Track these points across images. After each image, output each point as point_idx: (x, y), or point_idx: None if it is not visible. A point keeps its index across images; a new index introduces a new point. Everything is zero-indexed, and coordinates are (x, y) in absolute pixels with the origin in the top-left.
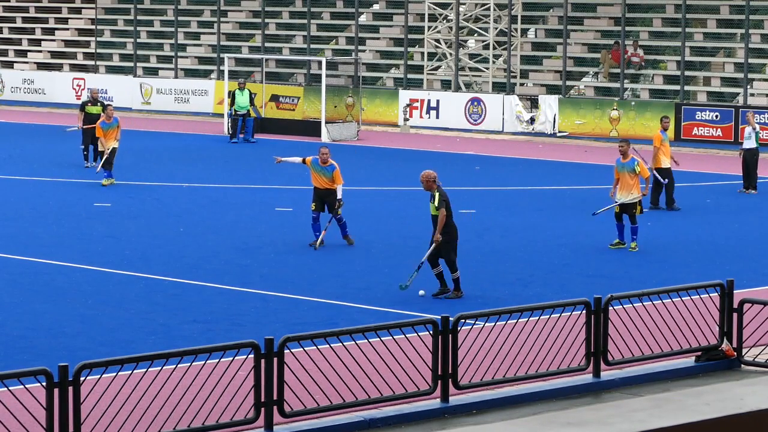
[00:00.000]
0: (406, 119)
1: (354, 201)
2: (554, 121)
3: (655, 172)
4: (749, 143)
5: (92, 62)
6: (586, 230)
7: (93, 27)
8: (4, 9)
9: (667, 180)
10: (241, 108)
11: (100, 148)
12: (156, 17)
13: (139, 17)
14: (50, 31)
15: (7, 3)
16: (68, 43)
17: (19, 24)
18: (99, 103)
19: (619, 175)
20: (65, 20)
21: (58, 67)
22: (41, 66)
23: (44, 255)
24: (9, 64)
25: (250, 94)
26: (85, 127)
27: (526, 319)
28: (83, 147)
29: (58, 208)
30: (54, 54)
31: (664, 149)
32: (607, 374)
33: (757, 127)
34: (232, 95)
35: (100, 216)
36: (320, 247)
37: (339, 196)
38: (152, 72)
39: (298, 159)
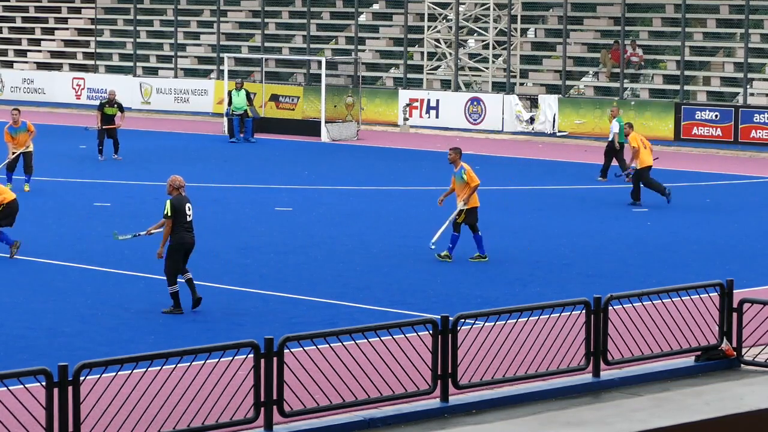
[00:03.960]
0: (405, 119)
1: (354, 201)
2: (554, 121)
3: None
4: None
5: (92, 62)
6: (585, 230)
7: (93, 27)
8: (4, 9)
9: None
10: (237, 108)
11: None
12: (156, 17)
13: (138, 17)
14: (50, 31)
15: (7, 2)
16: (68, 42)
17: (18, 24)
18: (116, 104)
19: (455, 184)
20: (65, 20)
21: (58, 67)
22: (41, 66)
23: (44, 255)
24: (9, 64)
25: (248, 93)
26: (104, 127)
27: (526, 319)
28: (100, 144)
29: (57, 208)
30: (54, 54)
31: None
32: (606, 374)
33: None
34: (229, 95)
35: (99, 216)
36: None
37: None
38: (152, 72)
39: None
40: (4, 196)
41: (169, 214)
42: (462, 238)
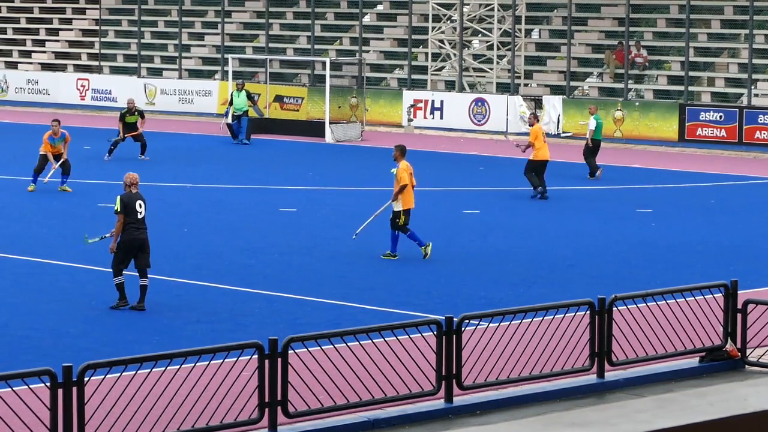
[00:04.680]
0: (410, 120)
1: (358, 202)
2: (558, 122)
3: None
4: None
5: (96, 63)
6: (589, 231)
7: (97, 28)
8: (9, 10)
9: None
10: (238, 109)
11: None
12: (160, 18)
13: (143, 18)
14: (54, 32)
15: (12, 3)
16: (72, 43)
17: (23, 24)
18: (136, 112)
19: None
20: (69, 21)
21: (63, 68)
22: (45, 67)
23: (49, 255)
24: (13, 65)
25: (249, 94)
26: (127, 135)
27: (530, 320)
28: (113, 144)
29: (62, 209)
30: (58, 54)
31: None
32: (611, 375)
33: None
34: (230, 96)
35: (104, 216)
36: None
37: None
38: (156, 73)
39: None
40: None
41: (118, 210)
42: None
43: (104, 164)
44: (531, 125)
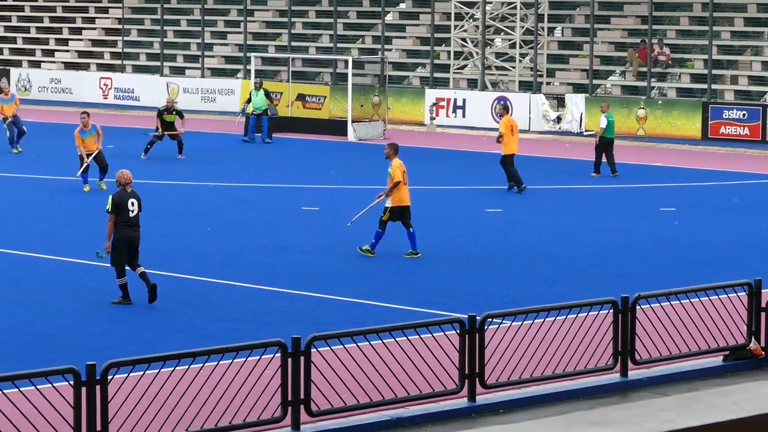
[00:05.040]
0: (432, 118)
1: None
2: (581, 120)
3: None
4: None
5: (119, 62)
6: (612, 229)
7: (120, 26)
8: (32, 9)
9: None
10: (257, 108)
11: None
12: (182, 17)
13: (165, 17)
14: (77, 31)
15: (35, 2)
16: (95, 42)
17: (46, 23)
18: (174, 111)
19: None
20: (92, 20)
21: (86, 67)
22: (68, 65)
23: (72, 254)
24: (36, 64)
25: (267, 92)
26: (166, 133)
27: (553, 319)
28: (150, 143)
29: (85, 208)
30: (81, 53)
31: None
32: (634, 373)
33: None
34: (249, 95)
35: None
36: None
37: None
38: (179, 71)
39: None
40: None
41: (109, 210)
42: (398, 234)
43: (140, 163)
44: (501, 115)
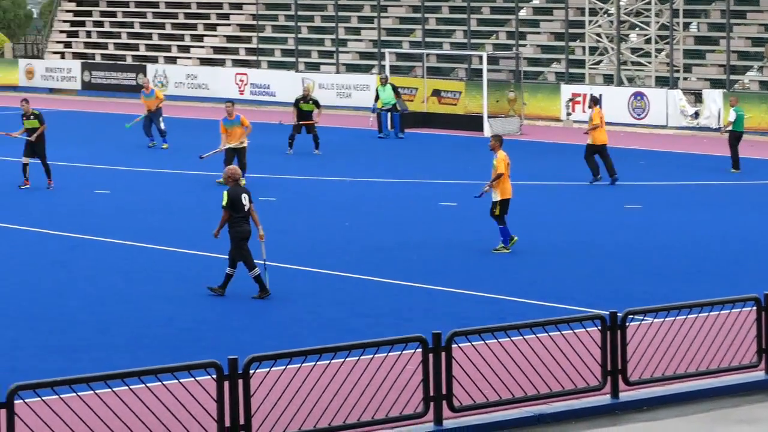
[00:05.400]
0: (568, 114)
1: (517, 196)
2: (719, 116)
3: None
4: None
5: (254, 57)
6: (754, 225)
7: (254, 22)
8: (167, 5)
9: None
10: (386, 103)
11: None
12: (316, 12)
13: (299, 12)
14: (212, 27)
15: None
16: (230, 38)
17: (181, 20)
18: (311, 100)
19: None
20: (227, 16)
21: (221, 63)
22: (204, 61)
23: (211, 249)
24: (172, 60)
25: (395, 88)
26: (300, 123)
27: (695, 316)
28: (291, 138)
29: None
30: (216, 49)
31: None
32: None
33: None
34: (376, 91)
35: (266, 210)
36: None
37: None
38: (314, 67)
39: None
40: None
41: (225, 205)
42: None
43: (277, 157)
44: (590, 108)
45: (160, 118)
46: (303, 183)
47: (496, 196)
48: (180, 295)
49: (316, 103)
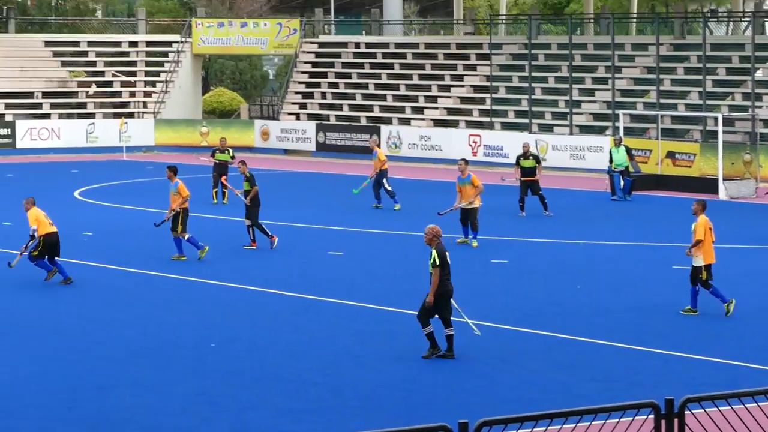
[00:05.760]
0: None
1: (754, 260)
2: None
3: None
4: None
5: (488, 119)
6: None
7: (488, 84)
8: (401, 66)
9: None
10: (618, 165)
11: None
12: (550, 74)
13: (533, 74)
14: (446, 89)
15: (404, 60)
16: (464, 99)
17: (415, 81)
18: (531, 156)
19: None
20: (461, 77)
21: (454, 124)
22: (437, 123)
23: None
24: (406, 121)
25: (628, 150)
26: (523, 179)
27: None
28: (521, 200)
29: (457, 263)
30: (450, 111)
31: None
32: None
33: None
34: (609, 153)
35: (498, 272)
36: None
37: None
38: (547, 128)
39: None
40: (43, 228)
41: (436, 263)
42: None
43: (509, 218)
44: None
45: (385, 180)
46: (534, 245)
47: (699, 261)
48: (411, 357)
49: (537, 159)
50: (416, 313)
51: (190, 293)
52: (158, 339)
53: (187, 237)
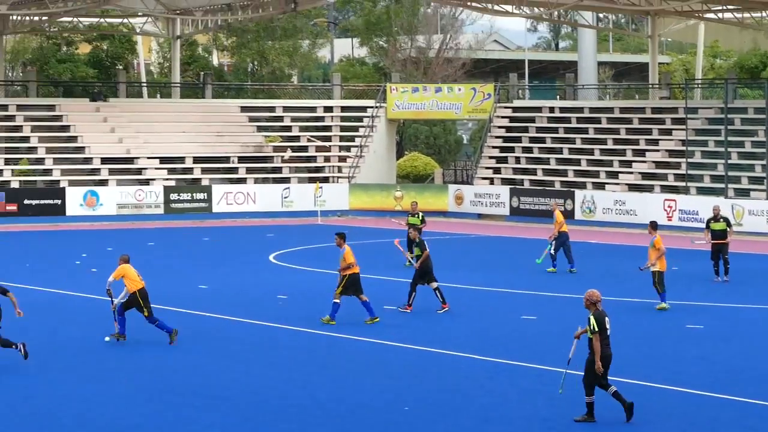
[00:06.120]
0: None
1: None
2: None
3: None
4: None
5: (683, 183)
6: None
7: (684, 148)
8: (595, 131)
9: None
10: None
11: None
12: (747, 138)
13: (729, 138)
14: (641, 153)
15: (599, 125)
16: (659, 164)
17: (610, 146)
18: (722, 219)
19: None
20: (656, 141)
21: (649, 188)
22: (632, 187)
23: (633, 375)
24: (601, 186)
25: None
26: (713, 242)
27: None
28: (715, 264)
29: (649, 329)
30: (645, 175)
31: None
32: None
33: None
34: None
35: (693, 337)
36: None
37: None
38: (743, 193)
39: None
40: (133, 284)
41: (595, 330)
42: None
43: (711, 284)
44: None
45: (564, 244)
46: (729, 310)
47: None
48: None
49: (728, 222)
50: (582, 379)
51: (381, 356)
52: (351, 402)
53: (338, 300)
